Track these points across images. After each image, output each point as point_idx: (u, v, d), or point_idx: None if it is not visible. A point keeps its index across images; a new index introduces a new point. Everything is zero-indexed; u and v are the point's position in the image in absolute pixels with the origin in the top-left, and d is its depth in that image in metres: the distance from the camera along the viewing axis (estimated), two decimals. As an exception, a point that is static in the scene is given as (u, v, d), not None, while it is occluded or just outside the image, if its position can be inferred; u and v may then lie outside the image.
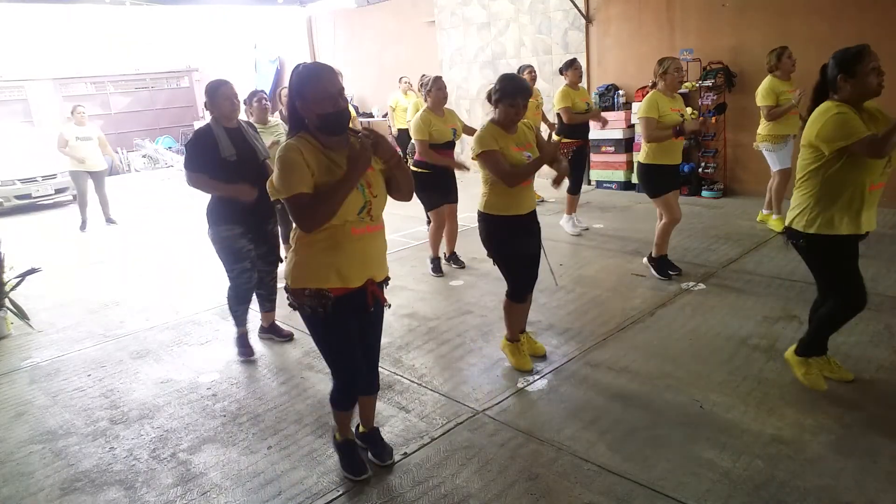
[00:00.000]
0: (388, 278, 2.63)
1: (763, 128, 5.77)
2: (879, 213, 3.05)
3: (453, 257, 5.64)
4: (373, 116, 12.02)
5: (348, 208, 2.32)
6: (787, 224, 3.11)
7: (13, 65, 15.98)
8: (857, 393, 3.11)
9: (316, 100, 2.26)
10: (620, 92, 8.42)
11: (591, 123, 6.71)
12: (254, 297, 4.17)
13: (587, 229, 6.56)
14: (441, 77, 5.30)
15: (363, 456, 2.84)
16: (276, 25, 13.95)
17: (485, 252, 3.55)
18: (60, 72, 16.52)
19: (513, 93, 3.23)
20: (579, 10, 8.59)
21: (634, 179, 8.05)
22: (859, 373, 3.29)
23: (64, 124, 8.74)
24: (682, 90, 7.65)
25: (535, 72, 7.11)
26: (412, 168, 5.26)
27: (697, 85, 7.53)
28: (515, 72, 7.06)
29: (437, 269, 5.50)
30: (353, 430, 2.98)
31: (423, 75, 5.89)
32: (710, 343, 3.79)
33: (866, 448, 2.69)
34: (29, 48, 16.25)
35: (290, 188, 2.24)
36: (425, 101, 5.25)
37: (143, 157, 15.82)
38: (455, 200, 5.43)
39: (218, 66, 16.90)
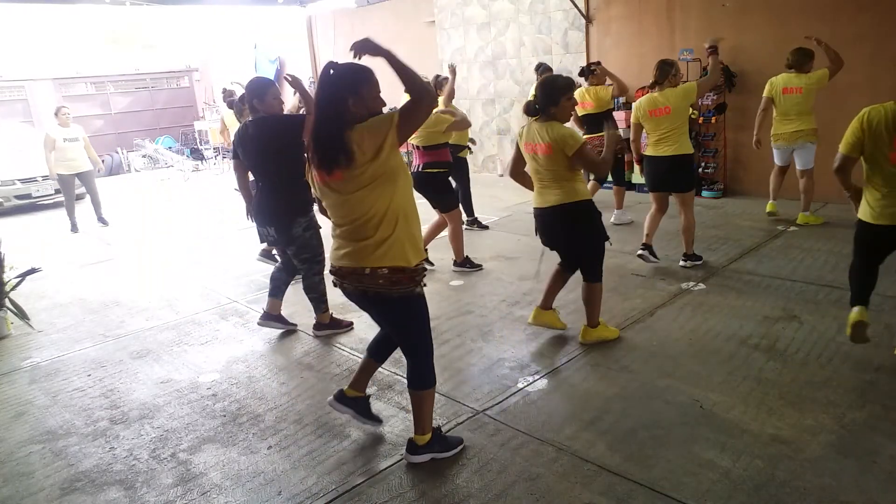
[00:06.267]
0: None
1: (809, 123, 5.77)
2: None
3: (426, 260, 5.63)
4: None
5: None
6: None
7: (13, 65, 15.99)
8: (857, 393, 3.11)
9: (372, 97, 2.50)
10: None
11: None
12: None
13: (632, 222, 6.61)
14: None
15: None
16: (276, 25, 13.95)
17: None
18: (60, 72, 16.52)
19: (570, 85, 3.60)
20: (579, 10, 8.58)
21: (635, 179, 8.04)
22: (859, 373, 3.29)
23: (49, 126, 8.68)
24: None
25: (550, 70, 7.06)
26: (424, 171, 5.15)
27: (697, 85, 7.52)
28: (534, 70, 7.10)
29: (471, 265, 5.41)
30: (340, 392, 3.07)
31: (437, 76, 5.86)
32: (710, 343, 3.79)
33: (866, 448, 2.69)
34: (29, 48, 16.26)
35: None
36: None
37: (143, 157, 15.81)
38: None
39: (218, 66, 16.92)
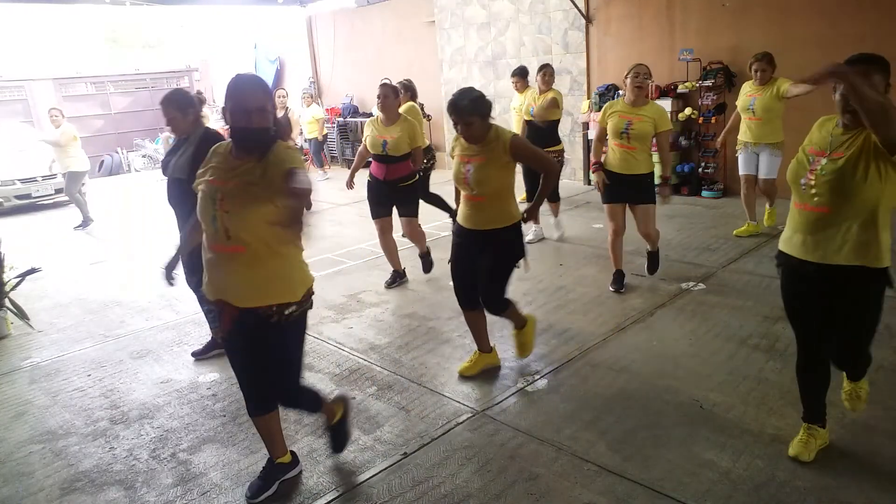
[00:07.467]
0: (264, 310, 2.29)
1: None
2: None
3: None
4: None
5: (202, 214, 2.31)
6: None
7: (13, 65, 16.02)
8: (857, 393, 3.11)
9: (232, 111, 2.22)
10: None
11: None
12: None
13: (542, 239, 6.31)
14: (385, 84, 4.99)
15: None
16: (276, 25, 13.96)
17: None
18: (60, 72, 16.55)
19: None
20: (579, 10, 8.58)
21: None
22: (859, 373, 3.29)
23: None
24: (682, 90, 7.67)
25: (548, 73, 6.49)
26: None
27: (697, 85, 7.53)
28: (513, 73, 6.99)
29: (393, 281, 5.21)
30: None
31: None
32: (710, 343, 3.79)
33: (866, 448, 2.69)
34: (29, 48, 16.28)
35: None
36: None
37: (143, 156, 15.83)
38: (385, 214, 5.02)
39: (218, 66, 16.91)
